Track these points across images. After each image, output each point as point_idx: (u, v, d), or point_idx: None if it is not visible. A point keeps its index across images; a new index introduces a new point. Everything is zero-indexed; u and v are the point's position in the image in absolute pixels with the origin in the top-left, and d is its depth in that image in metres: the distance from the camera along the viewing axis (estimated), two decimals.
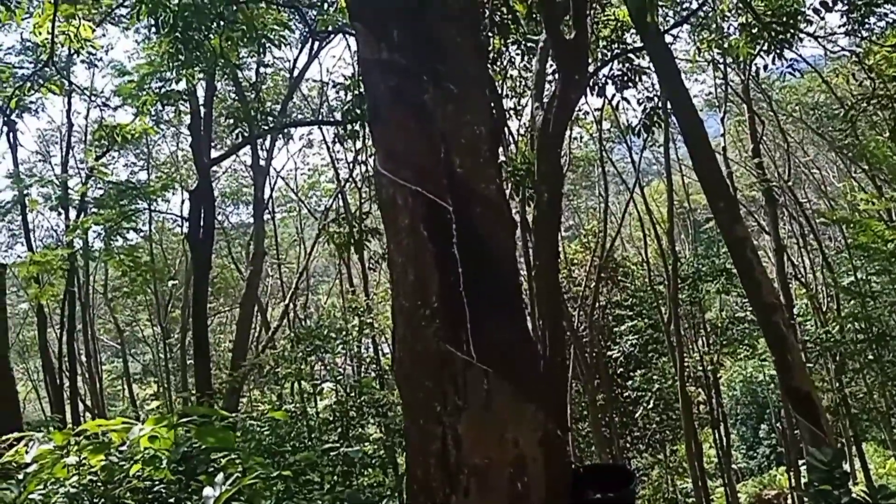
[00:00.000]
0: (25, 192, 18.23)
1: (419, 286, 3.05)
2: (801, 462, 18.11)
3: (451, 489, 2.87)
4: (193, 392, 12.35)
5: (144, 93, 13.24)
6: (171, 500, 4.17)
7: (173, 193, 24.42)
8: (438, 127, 3.15)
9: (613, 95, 10.97)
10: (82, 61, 18.40)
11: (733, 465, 23.57)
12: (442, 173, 3.10)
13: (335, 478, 8.33)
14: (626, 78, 10.65)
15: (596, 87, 10.58)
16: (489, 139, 3.30)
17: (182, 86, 12.58)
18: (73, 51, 16.67)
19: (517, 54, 11.54)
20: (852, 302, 16.79)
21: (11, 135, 18.18)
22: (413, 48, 3.23)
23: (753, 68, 16.94)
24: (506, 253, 3.22)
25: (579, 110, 19.75)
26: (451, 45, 3.29)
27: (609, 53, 11.49)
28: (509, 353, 3.04)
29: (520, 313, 3.26)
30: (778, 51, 10.69)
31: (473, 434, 2.89)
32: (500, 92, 12.21)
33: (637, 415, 19.73)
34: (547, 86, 9.86)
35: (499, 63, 11.62)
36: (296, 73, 19.07)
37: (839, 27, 11.99)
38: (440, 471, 2.89)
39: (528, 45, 10.75)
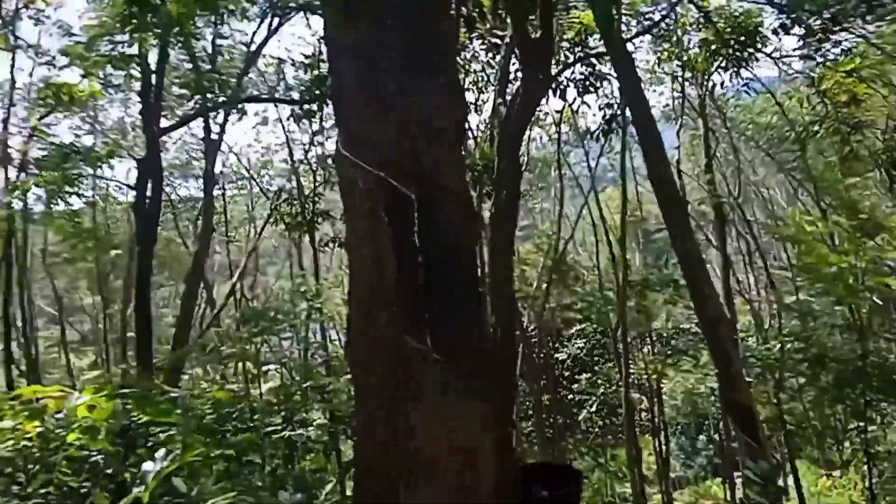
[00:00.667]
0: None
1: (376, 272, 3.02)
2: (736, 474, 18.61)
3: (400, 478, 2.87)
4: (133, 365, 12.10)
5: (94, 54, 12.82)
6: (109, 471, 4.10)
7: (120, 161, 23.77)
8: (404, 114, 3.12)
9: (574, 99, 11.11)
10: (29, 17, 17.72)
11: (671, 474, 24.06)
12: (406, 161, 3.07)
13: (276, 461, 8.27)
14: (587, 82, 10.79)
15: (558, 90, 10.70)
16: (455, 130, 3.28)
17: (133, 50, 12.22)
18: (20, 5, 16.09)
19: (482, 49, 11.58)
20: (794, 321, 17.27)
21: None
22: (382, 33, 3.19)
23: (710, 84, 17.29)
24: (465, 244, 3.20)
25: (539, 111, 19.89)
26: (422, 32, 3.26)
27: (572, 56, 11.63)
28: (464, 346, 3.04)
29: (476, 306, 3.26)
30: (735, 68, 10.97)
31: (425, 424, 2.90)
32: (462, 86, 12.24)
33: (581, 417, 20.00)
34: (510, 83, 9.93)
35: (462, 56, 11.64)
36: (253, 47, 18.72)
37: (794, 50, 12.36)
38: (390, 459, 2.89)
39: (493, 40, 10.79)
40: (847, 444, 18.68)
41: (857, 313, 14.69)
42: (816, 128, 13.27)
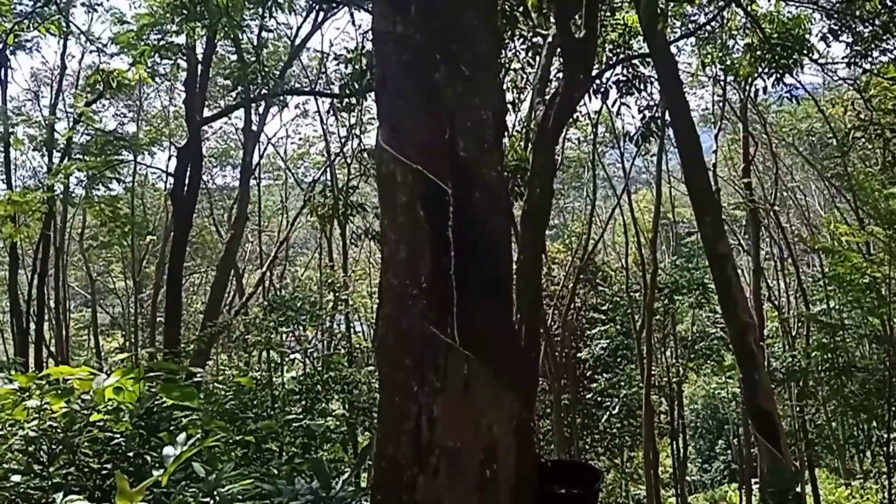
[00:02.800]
0: (11, 130, 17.91)
1: (410, 265, 3.03)
2: (753, 480, 18.41)
3: (420, 469, 2.86)
4: (161, 349, 12.24)
5: (143, 43, 13.03)
6: (130, 455, 4.13)
7: (161, 149, 24.20)
8: (446, 107, 3.11)
9: (615, 101, 10.98)
10: (82, 4, 18.08)
11: (687, 477, 23.91)
12: (445, 154, 3.06)
13: (294, 449, 8.31)
14: (629, 84, 10.66)
15: (598, 91, 10.59)
16: (495, 124, 3.27)
17: (182, 40, 12.39)
18: None
19: (522, 48, 11.50)
20: (823, 331, 17.01)
21: (3, 71, 17.80)
22: (429, 25, 3.18)
23: (752, 89, 17.04)
24: (500, 241, 3.20)
25: (577, 111, 19.76)
26: (468, 25, 3.25)
27: (615, 58, 11.51)
28: (492, 340, 3.03)
29: (507, 302, 3.25)
30: (780, 74, 10.77)
31: (449, 416, 2.89)
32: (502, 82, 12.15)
33: (602, 419, 19.91)
34: (549, 83, 9.84)
35: (503, 54, 11.57)
36: (298, 41, 18.90)
37: (842, 58, 12.12)
38: (411, 450, 2.89)
39: (534, 40, 10.72)
40: (868, 454, 18.39)
41: (888, 324, 14.44)
42: (859, 134, 13.01)
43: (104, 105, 22.53)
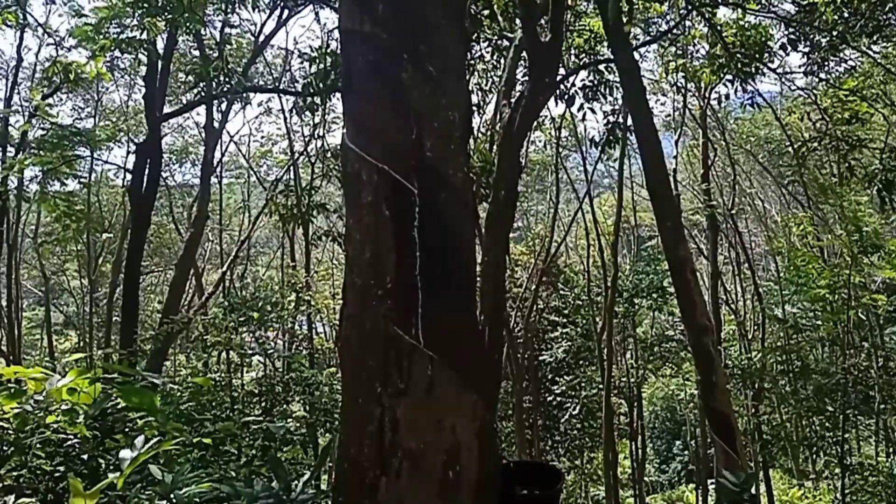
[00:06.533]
0: None
1: (375, 265, 3.01)
2: (710, 481, 18.71)
3: (383, 471, 2.86)
4: (117, 349, 12.00)
5: (101, 37, 12.76)
6: (84, 457, 4.03)
7: (119, 145, 23.73)
8: (413, 107, 3.10)
9: (581, 106, 11.07)
10: None
11: (645, 478, 24.20)
12: (411, 154, 3.06)
13: (253, 451, 8.21)
14: (595, 89, 10.77)
15: (564, 95, 10.67)
16: (462, 126, 3.28)
17: (142, 35, 12.16)
18: None
19: (488, 50, 11.55)
20: (779, 333, 17.36)
21: None
22: (396, 24, 3.18)
23: (713, 96, 17.33)
24: (465, 242, 3.21)
25: (542, 115, 19.88)
26: (435, 26, 3.25)
27: (580, 62, 11.62)
28: (456, 341, 3.03)
29: (471, 303, 3.26)
30: (742, 80, 10.96)
31: (412, 418, 2.89)
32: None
33: (562, 420, 20.04)
34: (515, 86, 9.90)
35: (469, 56, 11.61)
36: (262, 38, 18.69)
37: (799, 66, 12.39)
38: (374, 451, 2.88)
39: (499, 42, 10.77)
40: (821, 455, 18.84)
41: (842, 327, 14.76)
42: (815, 144, 13.30)
43: (61, 99, 22.07)
